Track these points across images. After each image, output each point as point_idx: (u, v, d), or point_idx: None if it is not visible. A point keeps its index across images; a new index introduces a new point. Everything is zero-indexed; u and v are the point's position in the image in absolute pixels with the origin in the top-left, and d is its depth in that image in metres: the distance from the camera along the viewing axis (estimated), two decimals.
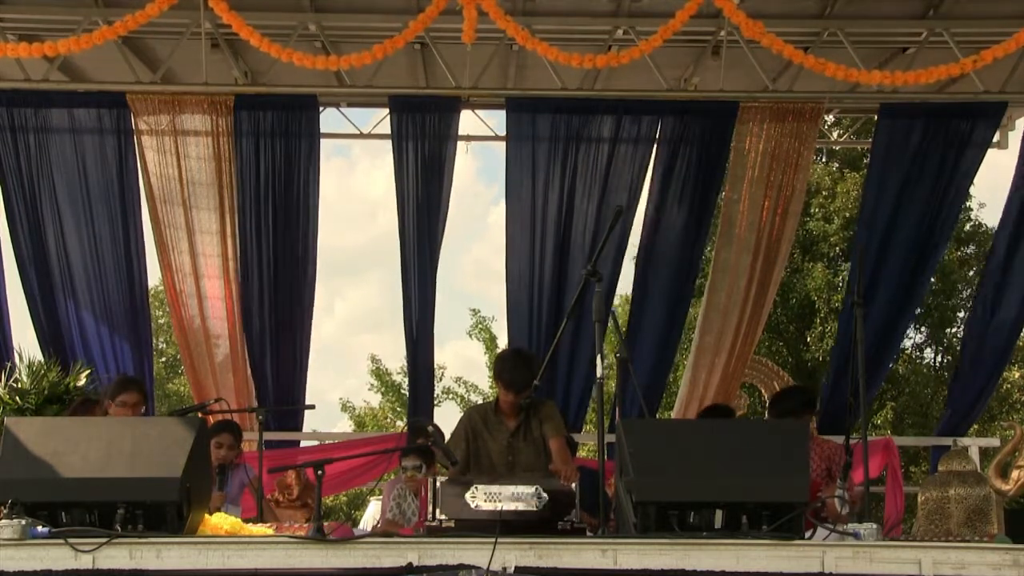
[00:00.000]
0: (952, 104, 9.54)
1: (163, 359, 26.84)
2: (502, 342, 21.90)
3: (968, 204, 19.28)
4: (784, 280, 16.15)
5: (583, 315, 8.84)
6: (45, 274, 9.46)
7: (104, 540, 4.37)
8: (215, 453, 6.72)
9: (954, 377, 10.08)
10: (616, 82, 9.75)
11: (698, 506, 4.53)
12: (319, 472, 4.80)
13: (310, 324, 9.63)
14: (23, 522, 4.38)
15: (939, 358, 21.14)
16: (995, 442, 10.81)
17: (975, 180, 10.09)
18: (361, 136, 10.96)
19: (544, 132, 9.48)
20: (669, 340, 9.75)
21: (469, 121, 10.57)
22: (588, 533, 5.14)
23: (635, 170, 9.55)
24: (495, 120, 10.56)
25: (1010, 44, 7.68)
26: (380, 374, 24.35)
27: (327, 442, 10.27)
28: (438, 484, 5.01)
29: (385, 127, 10.06)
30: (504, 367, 6.40)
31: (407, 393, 13.15)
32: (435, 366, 10.39)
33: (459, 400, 23.50)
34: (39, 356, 8.93)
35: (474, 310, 24.29)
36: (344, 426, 24.80)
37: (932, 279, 14.65)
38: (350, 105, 10.48)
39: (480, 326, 23.91)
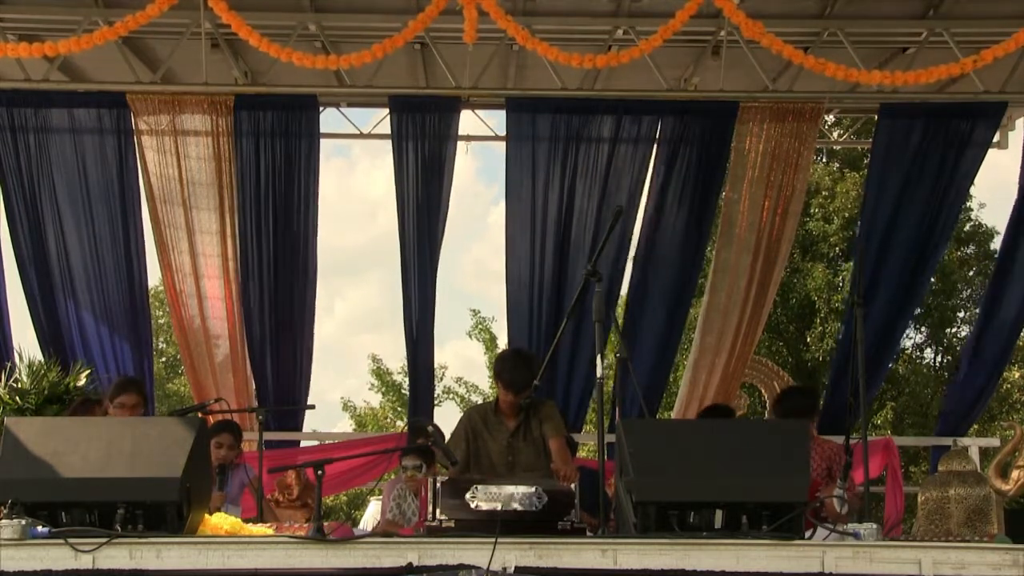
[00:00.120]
0: (952, 104, 9.54)
1: (163, 359, 26.84)
2: (502, 342, 21.91)
3: (968, 204, 19.30)
4: (784, 280, 16.15)
5: (583, 315, 8.84)
6: (45, 274, 9.45)
7: (104, 540, 4.37)
8: (215, 453, 6.72)
9: (955, 376, 10.07)
10: (616, 82, 9.75)
11: (698, 506, 4.53)
12: (319, 472, 4.80)
13: (311, 324, 9.63)
14: (23, 522, 4.38)
15: (939, 358, 21.15)
16: (995, 442, 10.81)
17: (975, 180, 10.10)
18: (361, 136, 10.96)
19: (544, 132, 9.48)
20: (669, 340, 9.74)
21: (469, 121, 10.59)
22: (588, 533, 5.14)
23: (635, 170, 9.55)
24: (495, 120, 10.58)
25: (1010, 44, 7.68)
26: (380, 374, 24.36)
27: (327, 442, 10.27)
28: (438, 484, 5.01)
29: (385, 127, 10.06)
30: (504, 367, 6.40)
31: (407, 393, 13.15)
32: (436, 366, 10.39)
33: (459, 400, 23.52)
34: (39, 356, 8.93)
35: (474, 311, 24.33)
36: (345, 426, 24.84)
37: (932, 279, 14.65)
38: (350, 105, 10.48)
39: (480, 326, 23.93)
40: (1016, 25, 7.89)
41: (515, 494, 4.91)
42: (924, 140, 9.51)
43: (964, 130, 9.49)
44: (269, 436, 8.39)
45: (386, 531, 6.33)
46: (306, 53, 8.21)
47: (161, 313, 23.65)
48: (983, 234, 20.49)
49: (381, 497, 8.48)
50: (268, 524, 5.65)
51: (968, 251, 20.65)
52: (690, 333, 12.85)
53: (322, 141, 9.66)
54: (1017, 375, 19.52)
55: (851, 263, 17.52)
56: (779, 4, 8.84)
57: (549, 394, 8.72)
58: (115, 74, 9.42)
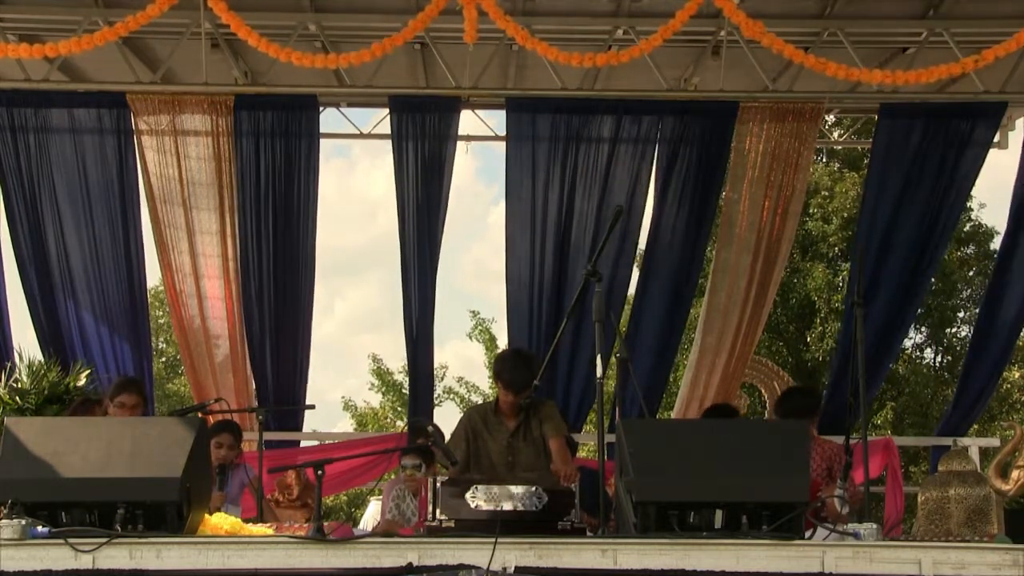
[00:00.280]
0: (952, 104, 9.54)
1: (163, 359, 26.84)
2: (502, 343, 21.91)
3: (968, 204, 19.29)
4: (784, 280, 16.16)
5: (583, 315, 8.84)
6: (45, 274, 9.45)
7: (104, 540, 4.36)
8: (215, 453, 6.72)
9: (962, 376, 10.06)
10: (616, 82, 9.75)
11: (698, 506, 4.53)
12: (319, 472, 4.80)
13: (310, 324, 9.64)
14: (23, 522, 4.38)
15: (939, 358, 21.15)
16: (995, 442, 10.82)
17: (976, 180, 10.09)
18: (361, 136, 10.96)
19: (544, 132, 9.48)
20: (669, 340, 9.74)
21: (469, 121, 10.59)
22: (588, 533, 5.14)
23: (635, 170, 9.55)
24: (495, 120, 10.58)
25: (1011, 44, 7.68)
26: (381, 374, 24.36)
27: (327, 442, 10.27)
28: (438, 484, 5.01)
29: (385, 127, 10.07)
30: (504, 367, 6.40)
31: (407, 393, 13.15)
32: (436, 366, 10.39)
33: (459, 400, 23.52)
34: (39, 356, 8.93)
35: (474, 312, 24.33)
36: (345, 425, 24.85)
37: (932, 279, 14.64)
38: (350, 105, 10.48)
39: (480, 327, 23.93)
40: (1016, 25, 7.89)
41: (515, 494, 4.91)
42: (924, 140, 9.51)
43: (964, 130, 9.49)
44: (269, 436, 8.39)
45: (386, 531, 6.33)
46: (306, 53, 8.21)
47: (161, 313, 23.66)
48: (983, 234, 20.49)
49: (381, 497, 8.48)
50: (268, 524, 5.65)
51: (968, 251, 20.65)
52: (690, 333, 12.85)
53: (322, 141, 9.67)
54: (1017, 375, 19.52)
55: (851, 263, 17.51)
56: (779, 4, 8.84)
57: (549, 394, 8.72)
58: (115, 74, 9.42)
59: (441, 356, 27.77)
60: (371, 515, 12.20)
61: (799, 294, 19.44)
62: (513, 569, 4.34)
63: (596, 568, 4.38)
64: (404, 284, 9.56)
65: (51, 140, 9.45)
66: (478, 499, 4.88)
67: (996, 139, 9.98)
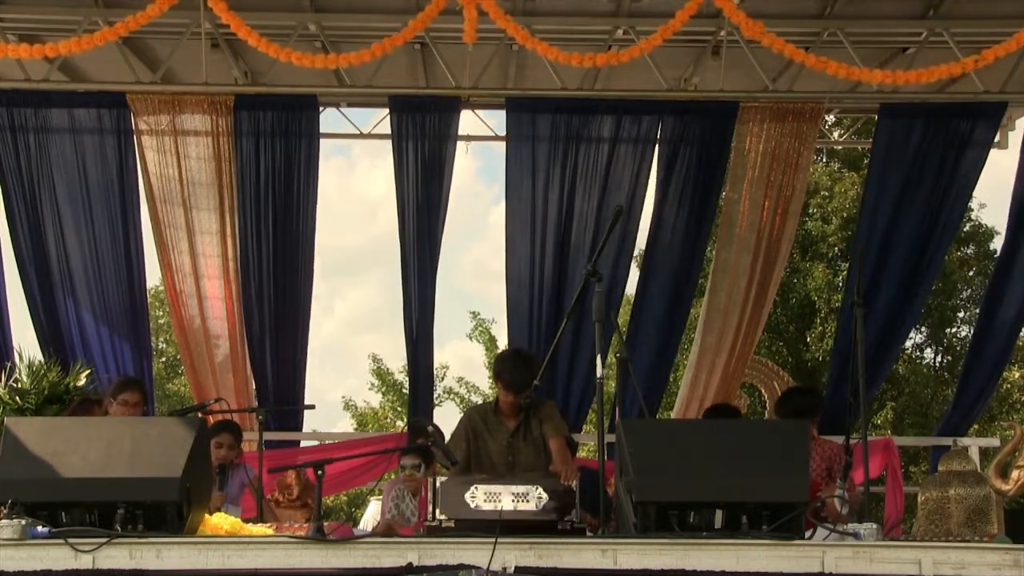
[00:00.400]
0: (952, 104, 9.54)
1: (163, 359, 26.84)
2: (502, 344, 21.91)
3: (968, 204, 19.28)
4: (784, 280, 16.16)
5: (583, 315, 8.84)
6: (45, 274, 9.45)
7: (104, 540, 4.37)
8: (215, 453, 6.72)
9: (962, 376, 10.07)
10: (616, 82, 9.75)
11: (698, 506, 4.53)
12: (319, 472, 4.80)
13: (307, 324, 9.64)
14: (23, 522, 4.38)
15: (939, 358, 21.15)
16: (995, 442, 10.82)
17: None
18: (361, 136, 10.95)
19: (544, 132, 9.48)
20: (669, 340, 9.74)
21: (469, 121, 10.59)
22: (588, 533, 5.14)
23: (635, 170, 9.55)
24: (495, 120, 10.58)
25: (1011, 44, 7.68)
26: (381, 374, 24.36)
27: (327, 442, 10.27)
28: (438, 484, 5.01)
29: (385, 127, 10.07)
30: (504, 367, 6.40)
31: (408, 393, 13.15)
32: (437, 366, 10.39)
33: (459, 401, 23.52)
34: (39, 356, 8.93)
35: (474, 313, 24.34)
36: (345, 425, 24.86)
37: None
38: (350, 105, 10.48)
39: (480, 328, 23.93)
40: (1016, 25, 7.89)
41: (515, 494, 4.91)
42: (924, 140, 9.50)
43: (964, 130, 9.49)
44: (269, 436, 8.39)
45: (386, 531, 6.33)
46: (306, 53, 8.21)
47: (161, 313, 23.65)
48: (983, 234, 20.50)
49: (381, 497, 8.48)
50: (268, 524, 5.65)
51: (968, 251, 20.65)
52: (690, 333, 12.85)
53: (322, 141, 9.68)
54: (1017, 375, 19.53)
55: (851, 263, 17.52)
56: (779, 4, 8.84)
57: (549, 394, 8.72)
58: (115, 74, 9.42)
59: (441, 356, 27.78)
60: (371, 515, 12.21)
61: (799, 294, 19.44)
62: (513, 569, 4.34)
63: (596, 568, 4.38)
64: (404, 284, 9.57)
65: (51, 140, 9.45)
66: (478, 499, 4.88)
67: (996, 139, 9.98)
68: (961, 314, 20.68)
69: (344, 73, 9.37)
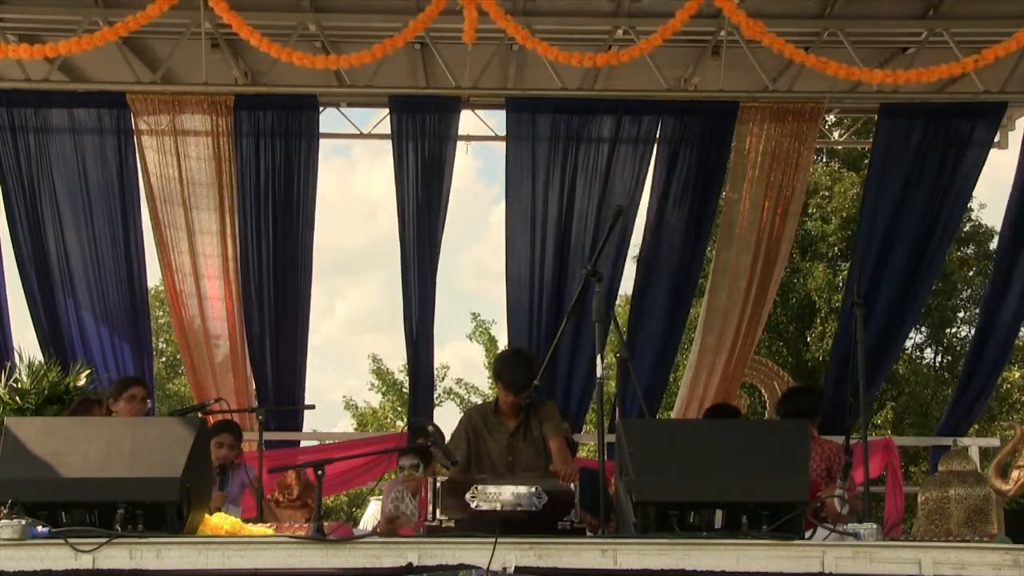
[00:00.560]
0: (952, 104, 9.54)
1: (163, 359, 26.84)
2: (502, 344, 21.91)
3: (968, 204, 19.28)
4: (784, 280, 16.16)
5: (583, 315, 8.83)
6: (45, 274, 9.46)
7: (104, 540, 4.36)
8: (215, 453, 6.72)
9: (962, 376, 10.07)
10: (616, 82, 9.75)
11: (698, 506, 4.53)
12: (319, 472, 4.80)
13: (307, 323, 9.63)
14: (23, 522, 4.38)
15: (939, 358, 21.15)
16: (995, 442, 10.82)
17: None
18: (361, 136, 10.95)
19: (544, 132, 9.48)
20: (669, 340, 9.74)
21: (469, 121, 10.59)
22: (588, 533, 5.14)
23: (635, 170, 9.55)
24: (495, 120, 10.58)
25: (1011, 44, 7.68)
26: (381, 374, 24.37)
27: (327, 442, 10.27)
28: (438, 484, 5.01)
29: (385, 127, 10.07)
30: (504, 367, 6.39)
31: (408, 393, 13.14)
32: (437, 366, 10.39)
33: (459, 401, 23.52)
34: (39, 356, 8.94)
35: (474, 314, 24.34)
36: (346, 425, 24.88)
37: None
38: (350, 105, 10.48)
39: (480, 328, 23.93)
40: (1016, 25, 7.89)
41: (515, 494, 4.91)
42: (924, 140, 9.51)
43: (964, 130, 9.49)
44: (269, 436, 8.39)
45: (386, 528, 6.34)
46: (306, 53, 8.21)
47: (161, 313, 23.65)
48: (983, 234, 20.49)
49: (381, 497, 8.48)
50: (268, 524, 5.65)
51: (968, 251, 20.65)
52: (690, 333, 12.85)
53: (322, 141, 9.69)
54: (1017, 375, 19.52)
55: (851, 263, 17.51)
56: (779, 4, 8.85)
57: (549, 394, 8.72)
58: (115, 74, 9.42)
59: (441, 357, 27.78)
60: (371, 515, 12.22)
61: (799, 294, 19.44)
62: (513, 569, 4.34)
63: (596, 568, 4.37)
64: (404, 284, 9.57)
65: (51, 140, 9.46)
66: (478, 499, 4.88)
67: (996, 139, 9.98)
68: (961, 314, 20.68)
69: (344, 73, 9.37)
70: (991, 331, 9.70)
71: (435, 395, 15.94)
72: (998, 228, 10.09)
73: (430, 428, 6.47)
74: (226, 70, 9.44)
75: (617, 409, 6.22)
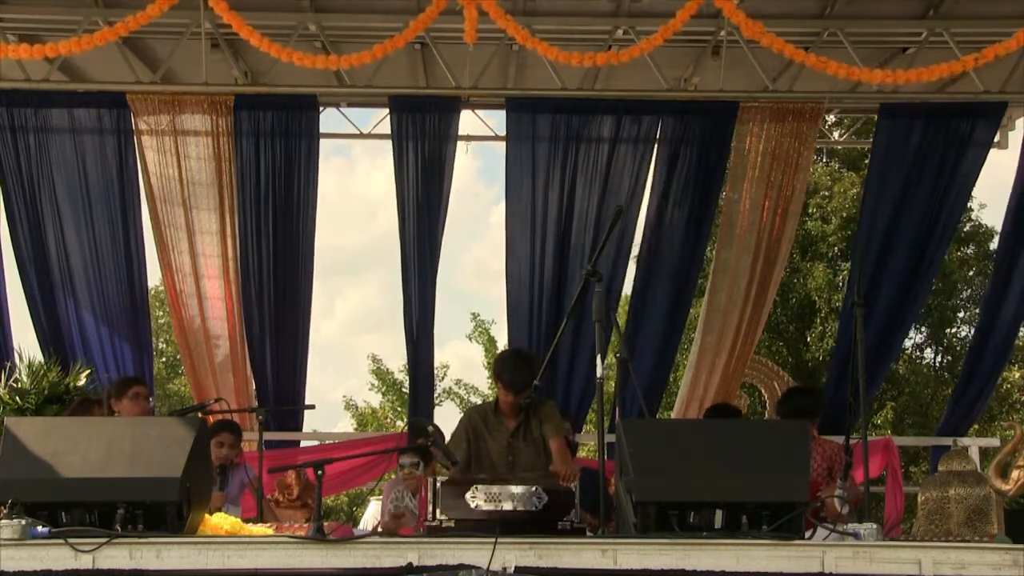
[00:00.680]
0: (952, 104, 9.54)
1: (163, 359, 26.84)
2: (501, 344, 21.91)
3: (968, 204, 19.28)
4: (784, 280, 16.15)
5: (583, 315, 8.84)
6: (45, 274, 9.46)
7: (104, 540, 4.36)
8: (216, 452, 6.72)
9: (962, 376, 10.07)
10: (616, 82, 9.75)
11: (698, 506, 4.53)
12: (319, 472, 4.80)
13: (307, 323, 9.63)
14: (23, 522, 4.38)
15: (939, 358, 21.15)
16: (995, 442, 10.82)
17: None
18: (361, 136, 10.95)
19: (544, 132, 9.48)
20: (670, 340, 9.74)
21: (469, 121, 10.59)
22: (588, 533, 5.14)
23: (635, 170, 9.55)
24: (495, 120, 10.58)
25: (1011, 43, 7.68)
26: (381, 374, 24.36)
27: (327, 442, 10.27)
28: (438, 484, 5.01)
29: (385, 127, 10.07)
30: (504, 367, 6.39)
31: (408, 393, 13.15)
32: (437, 366, 10.38)
33: (459, 401, 23.52)
34: (39, 356, 8.94)
35: (474, 314, 24.34)
36: (346, 425, 24.88)
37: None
38: (350, 105, 10.48)
39: (479, 329, 23.93)
40: (1016, 25, 7.90)
41: (515, 494, 4.91)
42: (924, 140, 9.51)
43: (964, 130, 9.49)
44: (269, 436, 8.39)
45: (391, 524, 6.34)
46: (306, 53, 8.21)
47: (161, 313, 23.65)
48: (983, 234, 20.49)
49: (381, 497, 8.48)
50: (268, 524, 5.65)
51: (968, 251, 20.65)
52: (690, 333, 12.85)
53: (322, 141, 9.68)
54: (1017, 375, 19.52)
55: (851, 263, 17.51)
56: (779, 4, 8.85)
57: (549, 394, 8.72)
58: (115, 74, 9.42)
59: (441, 357, 27.79)
60: (371, 515, 12.20)
61: (799, 294, 19.44)
62: (513, 569, 4.34)
63: (596, 568, 4.38)
64: (404, 284, 9.57)
65: (51, 140, 9.45)
66: (478, 499, 4.89)
67: (996, 139, 9.98)
68: (961, 314, 20.68)
69: (344, 73, 9.37)
70: (991, 331, 9.70)
71: (435, 395, 15.94)
72: (998, 228, 10.10)
73: (430, 428, 6.47)
74: (226, 70, 9.44)
75: (617, 409, 6.21)
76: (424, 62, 9.59)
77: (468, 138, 10.66)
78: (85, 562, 4.33)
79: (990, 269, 14.76)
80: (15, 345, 9.27)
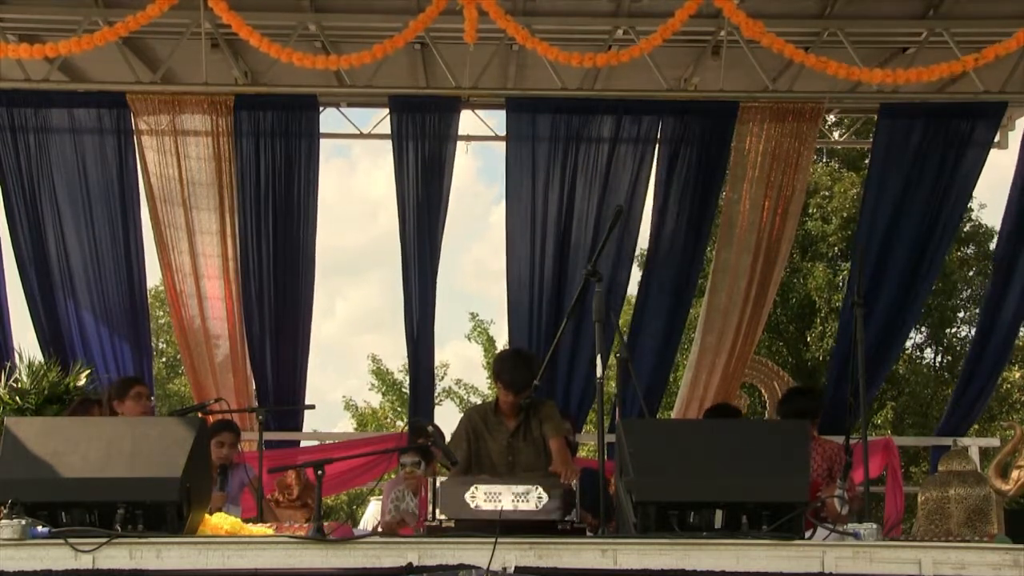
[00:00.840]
0: (952, 104, 9.54)
1: (163, 359, 26.84)
2: (500, 344, 21.90)
3: (968, 204, 19.26)
4: (784, 280, 16.15)
5: (583, 315, 8.84)
6: (45, 274, 9.46)
7: (104, 540, 4.36)
8: (216, 452, 6.73)
9: (962, 376, 10.06)
10: (616, 82, 9.75)
11: (698, 506, 4.53)
12: (319, 472, 4.80)
13: (308, 324, 9.64)
14: (23, 522, 4.38)
15: (939, 358, 21.15)
16: (995, 442, 10.82)
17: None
18: (361, 136, 10.95)
19: (544, 132, 9.48)
20: (670, 340, 9.74)
21: (469, 121, 10.58)
22: (588, 533, 5.14)
23: (635, 170, 9.56)
24: (495, 120, 10.58)
25: (1011, 43, 7.68)
26: (381, 374, 24.35)
27: (327, 442, 10.27)
28: (438, 484, 5.01)
29: (385, 127, 10.06)
30: (504, 367, 6.39)
31: (408, 393, 13.15)
32: (437, 364, 10.37)
33: (459, 401, 23.51)
34: (39, 356, 8.94)
35: (472, 313, 24.33)
36: (346, 425, 24.87)
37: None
38: (350, 105, 10.48)
39: (478, 328, 23.92)
40: (1016, 25, 7.90)
41: (515, 494, 4.91)
42: (924, 140, 9.51)
43: (964, 130, 9.49)
44: (269, 436, 8.39)
45: (387, 527, 6.34)
46: (306, 53, 8.22)
47: (161, 313, 23.65)
48: (983, 234, 20.49)
49: (381, 497, 8.48)
50: (268, 524, 5.65)
51: (968, 251, 20.65)
52: (690, 333, 12.85)
53: (322, 141, 9.68)
54: (1017, 375, 19.52)
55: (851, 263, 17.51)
56: (779, 4, 8.85)
57: (549, 394, 8.71)
58: (115, 74, 9.42)
59: (441, 356, 27.76)
60: (371, 515, 12.20)
61: (799, 294, 19.44)
62: (513, 569, 4.34)
63: (596, 568, 4.37)
64: (404, 284, 9.57)
65: (51, 140, 9.45)
66: (478, 499, 4.88)
67: (996, 139, 9.98)
68: (961, 314, 20.67)
69: (344, 73, 9.36)
70: (991, 331, 9.69)
71: (435, 395, 15.94)
72: (998, 228, 10.08)
73: (430, 428, 6.48)
74: (226, 70, 9.44)
75: (617, 409, 6.21)
76: (424, 62, 9.59)
77: (468, 138, 10.66)
78: (85, 562, 4.33)
79: (990, 269, 14.75)
80: (15, 345, 9.29)
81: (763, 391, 10.68)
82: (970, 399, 9.73)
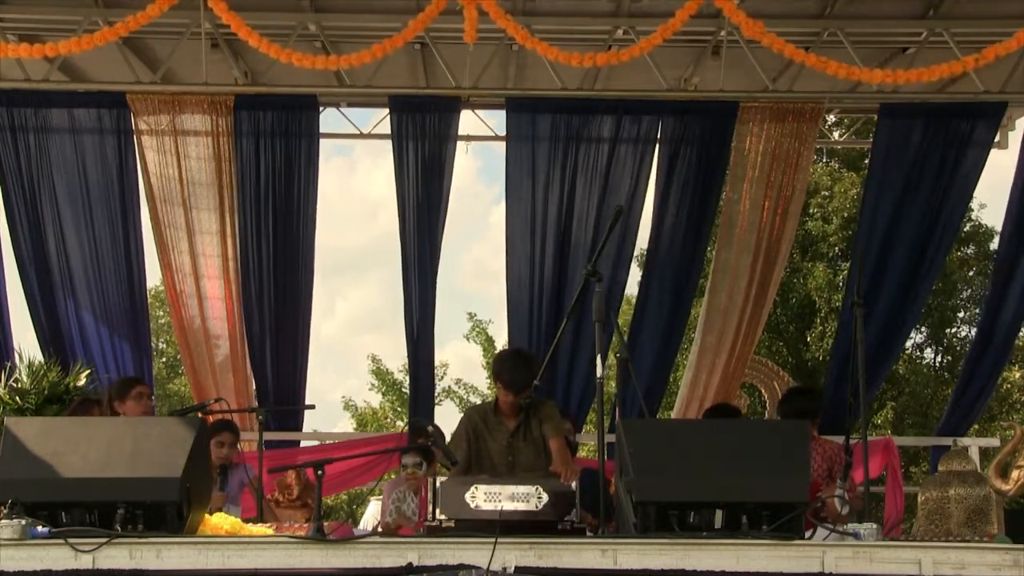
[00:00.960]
0: (952, 104, 9.54)
1: (163, 359, 26.84)
2: (499, 344, 21.89)
3: (968, 204, 19.26)
4: (784, 280, 16.15)
5: (583, 315, 8.84)
6: (45, 274, 9.46)
7: (104, 540, 4.37)
8: (216, 452, 6.72)
9: (962, 376, 10.06)
10: (616, 82, 9.75)
11: (698, 506, 4.53)
12: (319, 472, 4.80)
13: (308, 324, 9.64)
14: (23, 522, 4.38)
15: (939, 358, 21.14)
16: (995, 442, 10.82)
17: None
18: (361, 136, 10.95)
19: (544, 132, 9.48)
20: (670, 340, 9.74)
21: (469, 121, 10.58)
22: (588, 533, 5.14)
23: (635, 170, 9.55)
24: (495, 120, 10.58)
25: (1011, 43, 7.68)
26: (381, 374, 24.34)
27: (327, 442, 10.27)
28: (438, 484, 5.01)
29: (385, 127, 10.06)
30: (504, 367, 6.39)
31: (408, 393, 13.14)
32: (437, 364, 10.36)
33: (458, 401, 23.50)
34: (39, 356, 8.94)
35: (471, 313, 24.31)
36: (345, 425, 24.86)
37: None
38: (350, 105, 10.48)
39: (477, 328, 23.90)
40: (1016, 25, 7.90)
41: (515, 494, 4.91)
42: (924, 140, 9.50)
43: (964, 130, 9.49)
44: (269, 436, 8.39)
45: (387, 527, 6.34)
46: (306, 53, 8.22)
47: (161, 313, 23.65)
48: (983, 234, 20.49)
49: (381, 497, 8.48)
50: (268, 524, 5.65)
51: (968, 251, 20.65)
52: (690, 333, 12.85)
53: (322, 141, 9.68)
54: (1017, 375, 19.52)
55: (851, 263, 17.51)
56: (779, 4, 8.85)
57: (549, 394, 8.71)
58: (115, 74, 9.42)
59: (441, 356, 27.76)
60: (371, 515, 12.21)
61: (799, 294, 19.44)
62: (513, 569, 4.34)
63: (596, 568, 4.38)
64: (404, 284, 9.57)
65: (51, 140, 9.45)
66: (478, 499, 4.88)
67: (996, 139, 9.97)
68: (961, 314, 20.67)
69: (344, 73, 9.36)
70: (992, 331, 9.69)
71: (435, 395, 15.95)
72: (998, 228, 10.09)
73: (430, 428, 6.48)
74: (226, 70, 9.44)
75: (617, 409, 6.21)
76: (424, 62, 9.59)
77: (468, 138, 10.66)
78: (85, 562, 4.33)
79: (990, 269, 14.75)
80: (15, 345, 9.29)
81: (763, 391, 10.68)
82: (970, 399, 9.73)
